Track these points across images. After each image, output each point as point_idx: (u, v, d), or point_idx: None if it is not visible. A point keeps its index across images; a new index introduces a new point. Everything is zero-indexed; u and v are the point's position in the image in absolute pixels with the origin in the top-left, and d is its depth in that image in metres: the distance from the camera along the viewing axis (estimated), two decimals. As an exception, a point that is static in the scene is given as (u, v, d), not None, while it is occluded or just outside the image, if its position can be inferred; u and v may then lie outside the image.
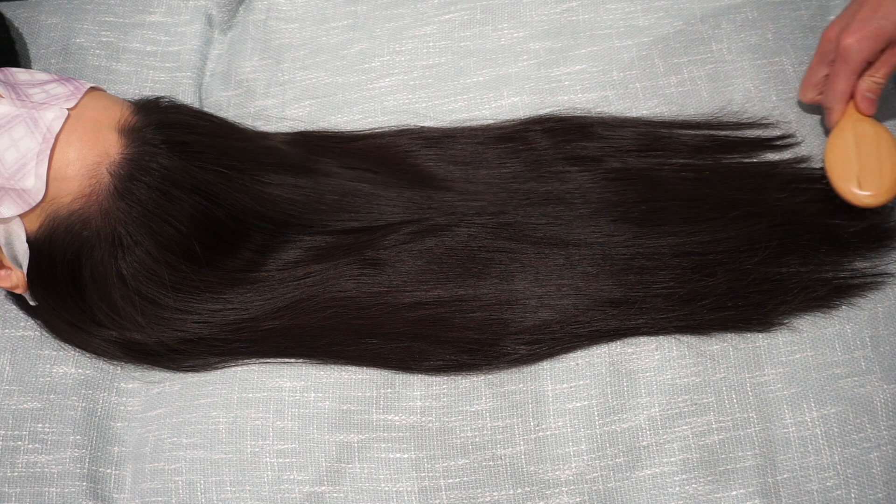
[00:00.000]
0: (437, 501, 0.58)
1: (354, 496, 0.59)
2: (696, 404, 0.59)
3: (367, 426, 0.60)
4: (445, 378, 0.61)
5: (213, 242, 0.61)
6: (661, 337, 0.61)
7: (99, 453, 0.63)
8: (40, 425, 0.63)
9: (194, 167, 0.60)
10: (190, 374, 0.64)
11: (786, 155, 0.68)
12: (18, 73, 0.63)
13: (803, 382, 0.59)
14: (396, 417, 0.60)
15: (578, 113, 0.71)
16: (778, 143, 0.68)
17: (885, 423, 0.58)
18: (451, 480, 0.59)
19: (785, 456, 0.57)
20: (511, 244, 0.63)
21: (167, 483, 0.60)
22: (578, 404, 0.60)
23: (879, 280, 0.62)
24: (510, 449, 0.59)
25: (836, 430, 0.58)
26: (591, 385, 0.60)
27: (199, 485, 0.60)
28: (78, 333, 0.64)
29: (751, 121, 0.69)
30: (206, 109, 0.76)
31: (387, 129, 0.72)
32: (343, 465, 0.59)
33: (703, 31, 0.74)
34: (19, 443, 0.62)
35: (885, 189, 0.61)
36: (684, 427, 0.58)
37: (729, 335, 0.61)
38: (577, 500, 0.58)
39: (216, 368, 0.63)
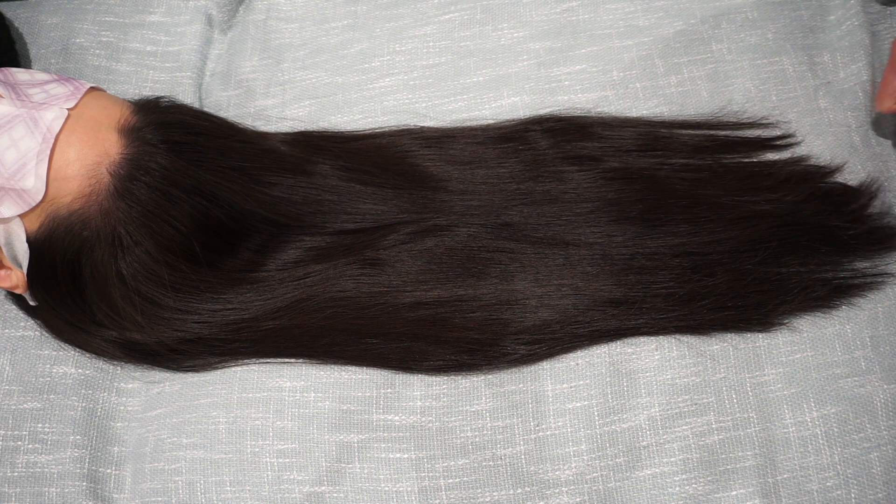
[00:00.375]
0: (437, 501, 0.58)
1: (354, 496, 0.59)
2: (696, 404, 0.59)
3: (367, 426, 0.60)
4: (445, 378, 0.61)
5: (212, 242, 0.61)
6: (661, 337, 0.61)
7: (99, 453, 0.62)
8: (40, 425, 0.63)
9: (194, 167, 0.60)
10: (190, 374, 0.64)
11: (786, 155, 0.68)
12: (18, 73, 0.63)
13: (803, 382, 0.59)
14: (396, 417, 0.60)
15: (578, 113, 0.71)
16: (778, 142, 0.68)
17: (885, 423, 0.58)
18: (451, 480, 0.59)
19: (785, 456, 0.57)
20: (511, 244, 0.63)
21: (167, 483, 0.60)
22: (578, 404, 0.60)
23: (879, 280, 0.62)
24: (510, 449, 0.59)
25: (836, 430, 0.58)
26: (591, 385, 0.60)
27: (199, 485, 0.60)
28: (78, 333, 0.64)
29: (751, 121, 0.69)
30: (206, 109, 0.76)
31: (387, 129, 0.72)
32: (343, 465, 0.59)
33: (703, 31, 0.74)
34: (19, 443, 0.62)
35: None
36: (684, 427, 0.58)
37: (729, 335, 0.61)
38: (577, 500, 0.58)
39: (216, 368, 0.63)
